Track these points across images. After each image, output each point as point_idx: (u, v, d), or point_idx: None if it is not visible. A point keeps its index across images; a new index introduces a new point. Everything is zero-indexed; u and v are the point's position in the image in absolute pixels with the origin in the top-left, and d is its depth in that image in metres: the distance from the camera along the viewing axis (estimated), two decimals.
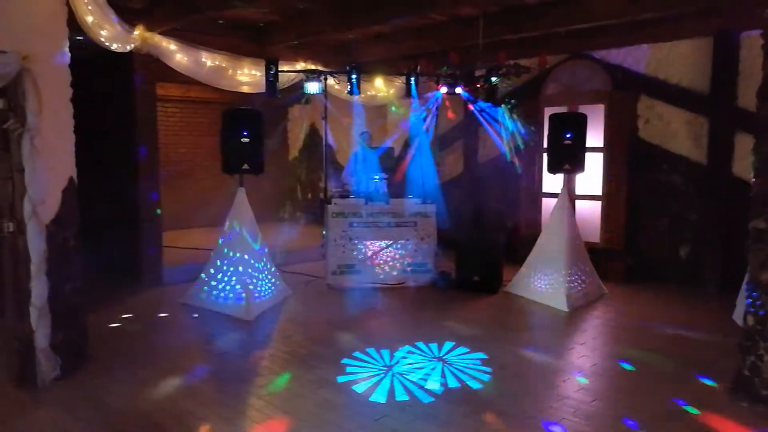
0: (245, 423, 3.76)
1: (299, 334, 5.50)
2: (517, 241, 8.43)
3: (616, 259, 7.75)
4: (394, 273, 7.40)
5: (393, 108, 8.47)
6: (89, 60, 7.15)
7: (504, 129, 7.81)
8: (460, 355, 4.98)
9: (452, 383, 4.38)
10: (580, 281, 6.77)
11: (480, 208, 8.86)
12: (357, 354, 4.94)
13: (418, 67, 7.25)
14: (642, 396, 4.19)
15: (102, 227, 8.06)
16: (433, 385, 4.34)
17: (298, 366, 4.71)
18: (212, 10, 6.06)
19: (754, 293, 4.01)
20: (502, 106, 7.28)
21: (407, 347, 5.12)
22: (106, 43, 5.69)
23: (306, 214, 11.69)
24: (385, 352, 4.99)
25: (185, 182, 10.60)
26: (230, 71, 7.71)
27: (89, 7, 4.98)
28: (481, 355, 4.94)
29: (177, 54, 7.12)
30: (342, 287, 7.23)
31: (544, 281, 6.79)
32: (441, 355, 4.97)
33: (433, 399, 4.12)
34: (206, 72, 7.48)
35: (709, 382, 4.40)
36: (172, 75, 7.40)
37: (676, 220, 7.45)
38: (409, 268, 7.42)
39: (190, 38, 7.23)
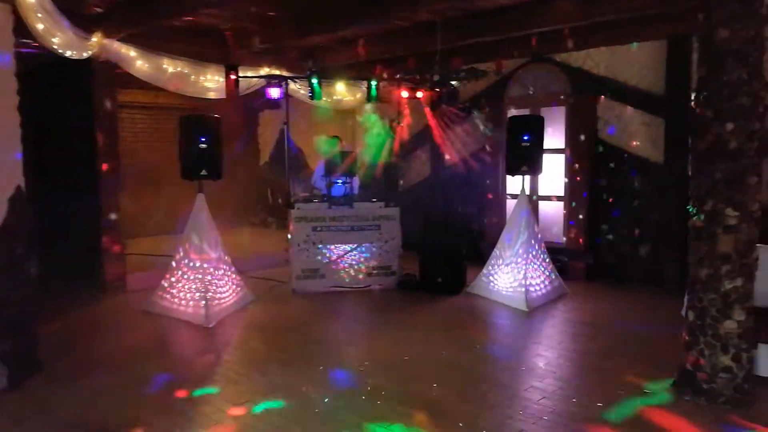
0: (194, 429, 3.76)
1: (256, 340, 5.51)
2: (482, 242, 8.53)
3: (578, 259, 7.86)
4: (359, 276, 7.43)
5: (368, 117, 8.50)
6: (49, 67, 7.17)
7: (463, 131, 7.87)
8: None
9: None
10: (540, 281, 6.85)
11: (445, 210, 8.93)
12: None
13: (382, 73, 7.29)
14: (590, 393, 4.26)
15: (64, 235, 8.03)
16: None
17: (251, 372, 4.72)
18: (168, 17, 6.04)
19: (694, 289, 4.10)
20: (462, 108, 7.33)
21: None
22: (60, 51, 5.67)
23: (277, 218, 11.69)
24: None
25: (154, 189, 10.53)
26: (193, 77, 7.70)
27: (39, 15, 4.95)
28: None
29: (137, 60, 7.10)
30: (307, 292, 7.24)
31: (504, 281, 6.86)
32: None
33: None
34: (168, 78, 7.47)
35: (656, 378, 4.48)
36: (138, 82, 7.39)
37: (636, 220, 7.57)
38: (373, 271, 7.46)
39: (153, 45, 7.21)
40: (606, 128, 7.75)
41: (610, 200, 7.77)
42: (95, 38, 6.60)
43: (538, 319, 6.21)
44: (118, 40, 6.84)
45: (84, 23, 6.42)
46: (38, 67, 7.78)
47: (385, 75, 7.16)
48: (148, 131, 10.99)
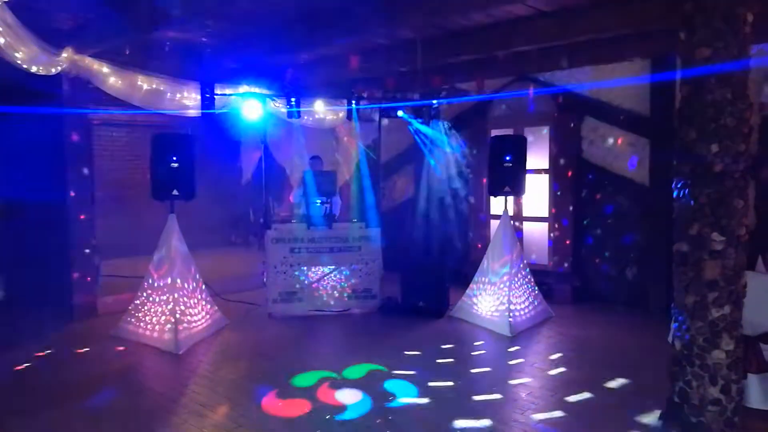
0: None
1: (226, 369, 5.25)
2: (466, 263, 8.34)
3: (563, 282, 7.68)
4: (339, 300, 7.20)
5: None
6: (20, 84, 6.96)
7: (443, 152, 7.73)
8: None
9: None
10: (524, 304, 6.67)
11: (427, 231, 8.75)
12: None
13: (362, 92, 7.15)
14: (575, 426, 4.05)
15: (33, 258, 7.75)
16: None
17: (216, 402, 4.47)
18: (136, 33, 5.85)
19: (680, 317, 3.92)
20: (443, 128, 7.18)
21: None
22: (24, 66, 5.46)
23: (259, 238, 11.44)
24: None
25: (134, 208, 10.27)
26: (169, 95, 7.51)
27: (0, 29, 4.75)
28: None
29: (110, 77, 6.89)
30: (284, 316, 7.00)
31: (487, 305, 6.66)
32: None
33: None
34: (143, 96, 7.25)
35: (643, 410, 4.28)
36: (116, 98, 7.18)
37: (622, 242, 7.43)
38: (353, 295, 7.23)
39: (127, 61, 7.02)
40: (590, 149, 7.64)
41: (595, 221, 7.63)
42: (65, 54, 6.40)
43: (522, 345, 6.00)
44: (90, 56, 6.65)
45: (54, 38, 6.24)
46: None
47: (365, 94, 6.99)
48: (127, 148, 10.74)
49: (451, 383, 4.84)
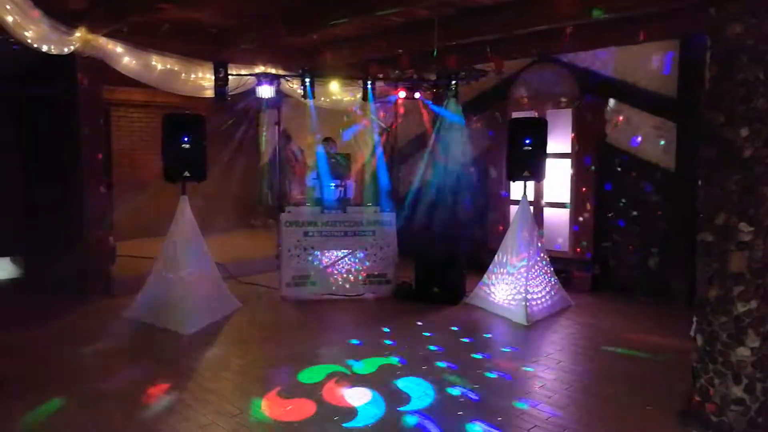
0: None
1: (232, 352, 5.19)
2: (484, 249, 8.16)
3: (583, 269, 7.47)
4: (353, 284, 7.10)
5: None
6: (36, 64, 6.93)
7: (462, 135, 7.53)
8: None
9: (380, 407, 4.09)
10: (542, 293, 6.49)
11: (445, 215, 8.58)
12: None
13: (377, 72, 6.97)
14: (585, 423, 3.90)
15: (50, 239, 7.80)
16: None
17: (222, 388, 4.41)
18: (147, 10, 5.75)
19: (703, 311, 3.73)
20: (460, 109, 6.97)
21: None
22: (35, 45, 5.40)
23: (277, 220, 11.39)
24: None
25: (152, 189, 10.28)
26: (184, 75, 7.42)
27: (7, 7, 4.68)
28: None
29: (124, 57, 6.82)
30: (297, 299, 6.94)
31: (504, 293, 6.50)
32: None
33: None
34: (157, 76, 7.19)
35: (661, 407, 4.11)
36: (134, 79, 7.12)
37: (645, 229, 7.18)
38: (367, 279, 7.12)
39: (142, 42, 6.95)
40: (614, 132, 7.37)
41: (618, 208, 7.38)
42: (79, 33, 6.34)
43: (538, 334, 5.84)
44: (104, 36, 6.58)
45: (67, 18, 6.18)
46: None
47: (380, 75, 6.81)
48: (146, 130, 10.73)
49: (462, 374, 4.71)
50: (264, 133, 11.99)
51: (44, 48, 5.59)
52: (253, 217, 12.10)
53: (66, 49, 6.12)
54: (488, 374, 4.72)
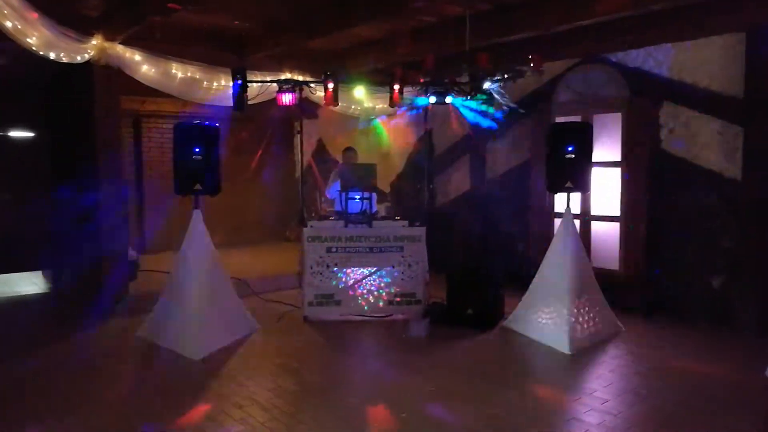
0: None
1: (243, 382, 4.75)
2: (526, 266, 7.51)
3: (635, 290, 6.74)
4: (379, 304, 6.59)
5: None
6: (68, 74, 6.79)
7: (500, 141, 6.93)
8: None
9: None
10: (588, 317, 5.82)
11: (483, 229, 7.99)
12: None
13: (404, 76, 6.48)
14: None
15: (74, 253, 7.64)
16: None
17: (226, 420, 3.97)
18: (163, 15, 5.46)
19: None
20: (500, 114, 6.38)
21: None
22: (40, 52, 5.16)
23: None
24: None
25: (182, 200, 10.09)
26: (206, 83, 7.13)
27: (4, 11, 4.43)
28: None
29: (143, 65, 6.59)
30: (320, 320, 6.48)
31: (545, 317, 5.86)
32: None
33: None
34: (178, 85, 6.92)
35: None
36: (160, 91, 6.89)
37: (706, 246, 6.39)
38: (395, 299, 6.60)
39: (161, 49, 6.71)
40: (670, 138, 6.63)
41: (675, 222, 6.61)
42: (95, 41, 6.13)
43: (583, 366, 5.18)
44: (121, 43, 6.35)
45: (81, 25, 5.97)
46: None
47: (402, 77, 6.32)
48: None
49: (496, 412, 4.13)
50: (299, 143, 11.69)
51: (52, 55, 5.36)
52: (287, 229, 11.79)
53: (79, 57, 5.90)
54: (521, 412, 4.12)
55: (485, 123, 6.30)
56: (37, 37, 4.95)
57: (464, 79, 5.82)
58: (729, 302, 6.15)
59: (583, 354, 5.41)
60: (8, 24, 4.55)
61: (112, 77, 6.53)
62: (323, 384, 4.66)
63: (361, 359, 5.41)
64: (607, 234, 7.17)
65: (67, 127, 7.63)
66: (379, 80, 6.96)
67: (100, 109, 6.52)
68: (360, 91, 7.06)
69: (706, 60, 6.30)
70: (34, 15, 4.72)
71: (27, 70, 6.90)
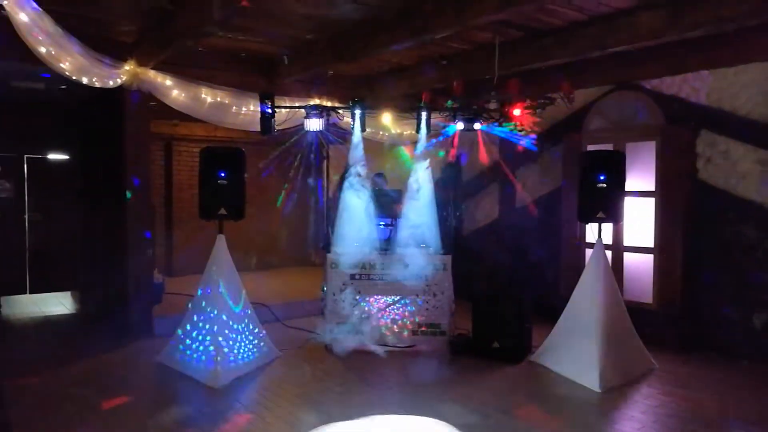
0: None
1: (262, 413, 4.64)
2: (556, 298, 7.27)
3: (671, 326, 6.45)
4: (403, 334, 6.44)
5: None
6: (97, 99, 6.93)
7: (528, 169, 6.77)
8: None
9: None
10: (619, 353, 5.56)
11: (512, 257, 7.79)
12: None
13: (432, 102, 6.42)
14: None
15: (100, 274, 7.70)
16: None
17: None
18: (189, 39, 5.52)
19: None
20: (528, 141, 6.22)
21: None
22: (73, 77, 5.25)
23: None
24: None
25: (211, 224, 10.15)
26: (234, 108, 7.17)
27: (39, 38, 4.52)
28: None
29: (173, 90, 6.66)
30: (342, 349, 6.35)
31: (574, 352, 5.63)
32: None
33: None
34: (207, 109, 6.97)
35: None
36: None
37: (747, 280, 6.09)
38: (419, 329, 6.44)
39: (191, 73, 6.80)
40: (708, 168, 6.39)
41: (713, 254, 6.34)
42: (128, 66, 6.23)
43: (613, 406, 4.93)
44: (153, 69, 6.45)
45: (116, 50, 6.08)
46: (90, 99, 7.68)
47: (430, 103, 6.25)
48: None
49: None
50: (326, 168, 11.70)
51: (84, 80, 5.45)
52: (314, 254, 11.75)
53: (111, 83, 6.00)
54: None
55: (524, 142, 6.11)
56: (71, 62, 5.04)
57: (493, 105, 5.71)
58: None
59: (614, 392, 5.17)
60: (42, 50, 4.64)
61: (143, 101, 6.61)
62: (342, 417, 4.51)
63: (381, 391, 5.24)
64: (640, 266, 6.91)
65: (98, 150, 7.77)
66: (408, 106, 6.90)
67: (129, 132, 6.59)
68: (387, 118, 7.00)
69: (745, 87, 6.09)
70: (77, 47, 4.80)
71: (62, 93, 7.06)
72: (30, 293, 9.15)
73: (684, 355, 6.23)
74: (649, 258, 6.79)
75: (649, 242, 6.77)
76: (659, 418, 4.61)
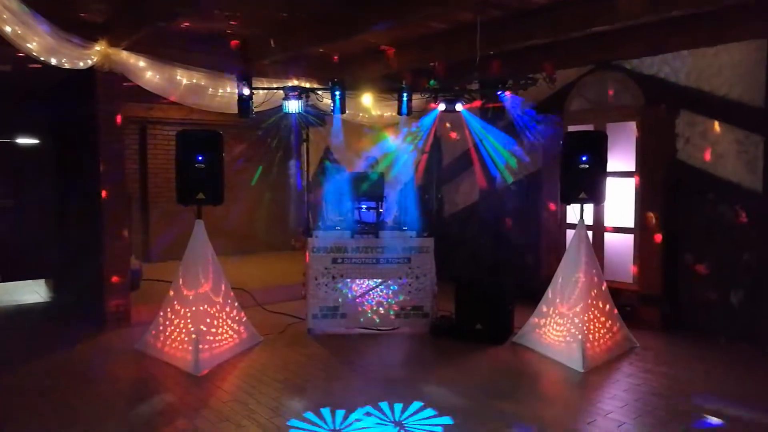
0: None
1: (241, 399, 4.58)
2: (537, 280, 7.30)
3: (651, 305, 6.52)
4: (386, 317, 6.42)
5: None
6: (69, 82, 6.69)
7: (509, 151, 6.76)
8: (424, 419, 4.00)
9: None
10: (601, 332, 5.62)
11: (492, 241, 7.79)
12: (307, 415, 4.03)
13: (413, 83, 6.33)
14: None
15: (75, 261, 7.53)
16: None
17: None
18: (162, 20, 5.34)
19: None
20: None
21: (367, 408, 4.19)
22: (41, 58, 5.05)
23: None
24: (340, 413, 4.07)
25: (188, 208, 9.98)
26: (211, 90, 6.99)
27: (3, 16, 4.33)
28: (447, 420, 3.92)
29: (147, 71, 6.46)
30: (324, 333, 6.31)
31: (556, 332, 5.67)
32: (401, 419, 4.03)
33: None
34: (183, 91, 6.78)
35: None
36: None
37: (725, 259, 6.17)
38: (402, 312, 6.43)
39: (166, 54, 6.59)
40: (687, 148, 6.43)
41: (692, 234, 6.40)
42: (99, 47, 6.02)
43: (596, 384, 4.97)
44: (125, 49, 6.24)
45: (86, 30, 5.87)
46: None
47: (411, 84, 6.16)
48: None
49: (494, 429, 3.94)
50: (306, 151, 11.56)
51: (53, 61, 5.25)
52: (293, 238, 11.65)
53: (82, 63, 5.80)
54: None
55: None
56: (38, 42, 4.84)
57: (474, 86, 5.64)
58: (750, 318, 5.92)
59: (596, 372, 5.21)
60: (7, 29, 4.44)
61: (115, 83, 6.41)
62: (326, 402, 4.47)
63: (365, 375, 5.21)
64: (620, 246, 6.96)
65: (71, 134, 7.54)
66: (389, 87, 6.80)
67: (102, 116, 6.39)
68: (368, 99, 6.90)
69: (724, 67, 6.11)
70: (44, 26, 4.56)
71: (31, 76, 6.83)
72: (2, 281, 8.92)
73: (664, 333, 6.31)
74: (629, 238, 6.84)
75: (629, 222, 6.82)
76: (641, 396, 4.66)
